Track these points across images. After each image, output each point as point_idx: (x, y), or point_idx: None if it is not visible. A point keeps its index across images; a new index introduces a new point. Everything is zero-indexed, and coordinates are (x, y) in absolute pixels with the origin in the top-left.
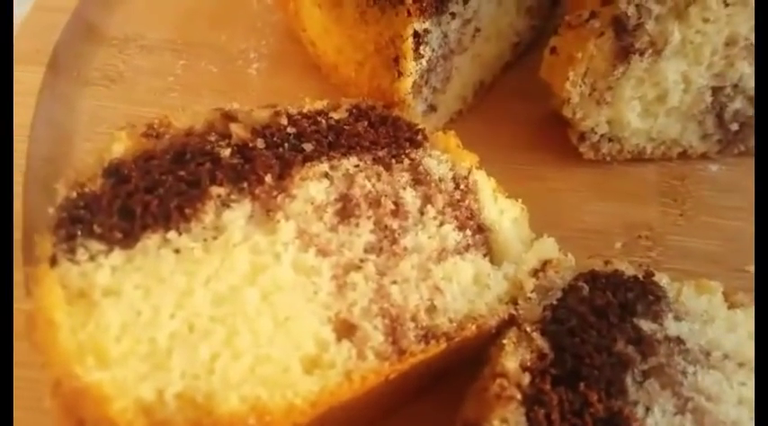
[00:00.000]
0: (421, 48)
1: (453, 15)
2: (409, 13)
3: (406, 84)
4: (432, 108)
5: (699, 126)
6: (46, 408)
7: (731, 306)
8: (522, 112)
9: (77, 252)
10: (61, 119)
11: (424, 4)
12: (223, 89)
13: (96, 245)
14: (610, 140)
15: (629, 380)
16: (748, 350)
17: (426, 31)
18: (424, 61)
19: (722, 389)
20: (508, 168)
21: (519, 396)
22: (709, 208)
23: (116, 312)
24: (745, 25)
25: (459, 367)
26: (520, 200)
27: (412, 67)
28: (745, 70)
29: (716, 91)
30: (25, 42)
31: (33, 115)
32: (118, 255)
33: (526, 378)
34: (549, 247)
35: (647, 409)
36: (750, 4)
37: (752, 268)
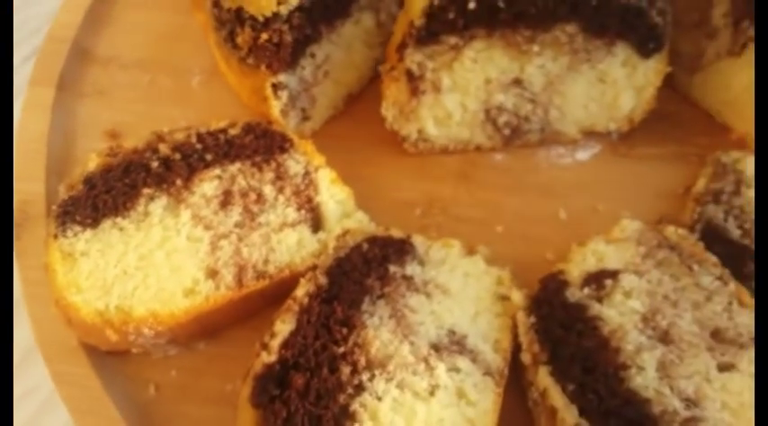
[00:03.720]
0: (279, 92)
1: (304, 67)
2: (265, 73)
3: (275, 112)
4: (306, 118)
5: (482, 131)
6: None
7: (470, 254)
8: (380, 113)
9: (67, 233)
10: (67, 126)
11: (274, 69)
12: (173, 99)
13: (77, 228)
14: (424, 140)
15: (366, 300)
16: (455, 282)
17: (281, 82)
18: (284, 98)
19: (422, 305)
20: (359, 157)
21: (296, 308)
22: (485, 186)
23: (86, 265)
24: (495, 71)
25: (287, 292)
26: (348, 188)
27: (275, 105)
28: (501, 98)
29: (486, 111)
30: (41, 69)
31: (49, 125)
32: (89, 233)
33: (305, 300)
34: (359, 219)
35: (371, 315)
36: (494, 58)
37: (500, 228)
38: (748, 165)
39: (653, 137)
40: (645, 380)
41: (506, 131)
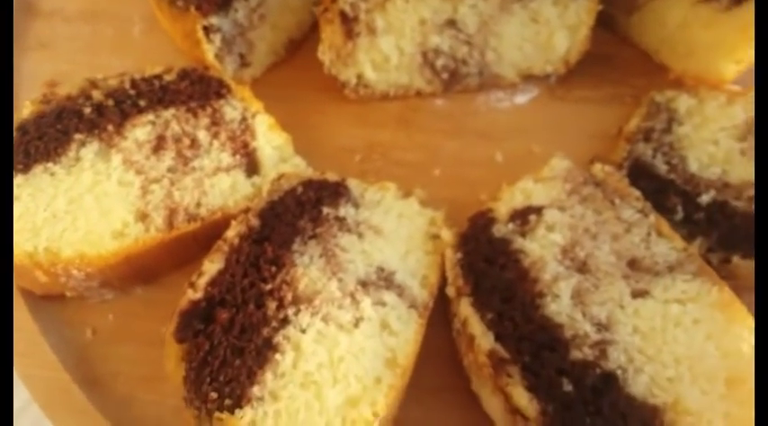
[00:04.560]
0: (211, 36)
1: (237, 10)
2: (195, 15)
3: (210, 57)
4: (245, 64)
5: (421, 75)
6: None
7: (406, 196)
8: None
9: None
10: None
11: (204, 10)
12: (114, 48)
13: None
14: (364, 86)
15: (297, 240)
16: (388, 223)
17: (212, 25)
18: (217, 42)
19: (353, 244)
20: (301, 104)
21: (226, 249)
22: (425, 131)
23: (17, 208)
24: (428, 11)
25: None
26: (286, 134)
27: (208, 49)
28: (436, 40)
29: (423, 54)
30: None
31: None
32: (20, 178)
33: (236, 241)
34: (296, 164)
35: (301, 254)
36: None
37: (438, 171)
38: (681, 103)
39: (590, 79)
40: (559, 307)
41: (445, 75)
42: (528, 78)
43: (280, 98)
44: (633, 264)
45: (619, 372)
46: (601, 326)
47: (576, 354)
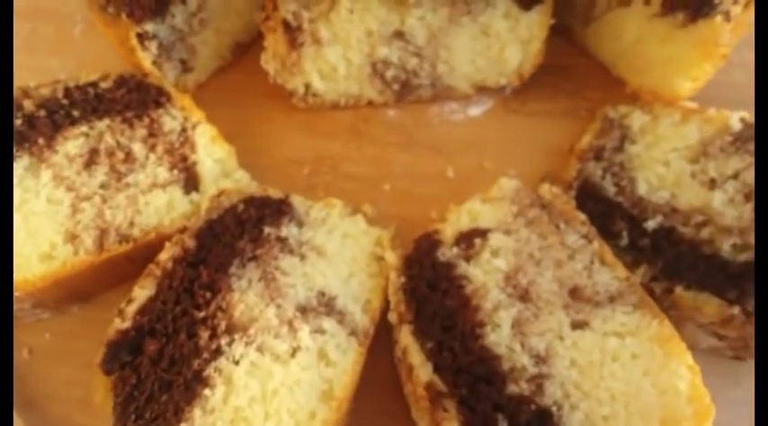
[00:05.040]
0: (146, 43)
1: (175, 15)
2: (128, 23)
3: (147, 64)
4: (187, 69)
5: (371, 85)
6: None
7: (353, 214)
8: None
9: None
10: None
11: (136, 17)
12: (54, 48)
13: None
14: (313, 95)
15: (235, 262)
16: (332, 243)
17: (147, 32)
18: (153, 49)
19: (294, 267)
20: (248, 112)
21: (158, 273)
22: (376, 143)
23: None
24: (375, 22)
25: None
26: (229, 146)
27: (144, 56)
28: (384, 51)
29: (372, 65)
30: None
31: None
32: None
33: (169, 264)
34: (239, 179)
35: (239, 278)
36: (372, 9)
37: (388, 186)
38: (635, 120)
39: (546, 91)
40: (499, 337)
41: (396, 86)
42: (482, 90)
43: (226, 104)
44: (574, 293)
45: (554, 408)
46: (539, 359)
47: (512, 388)
